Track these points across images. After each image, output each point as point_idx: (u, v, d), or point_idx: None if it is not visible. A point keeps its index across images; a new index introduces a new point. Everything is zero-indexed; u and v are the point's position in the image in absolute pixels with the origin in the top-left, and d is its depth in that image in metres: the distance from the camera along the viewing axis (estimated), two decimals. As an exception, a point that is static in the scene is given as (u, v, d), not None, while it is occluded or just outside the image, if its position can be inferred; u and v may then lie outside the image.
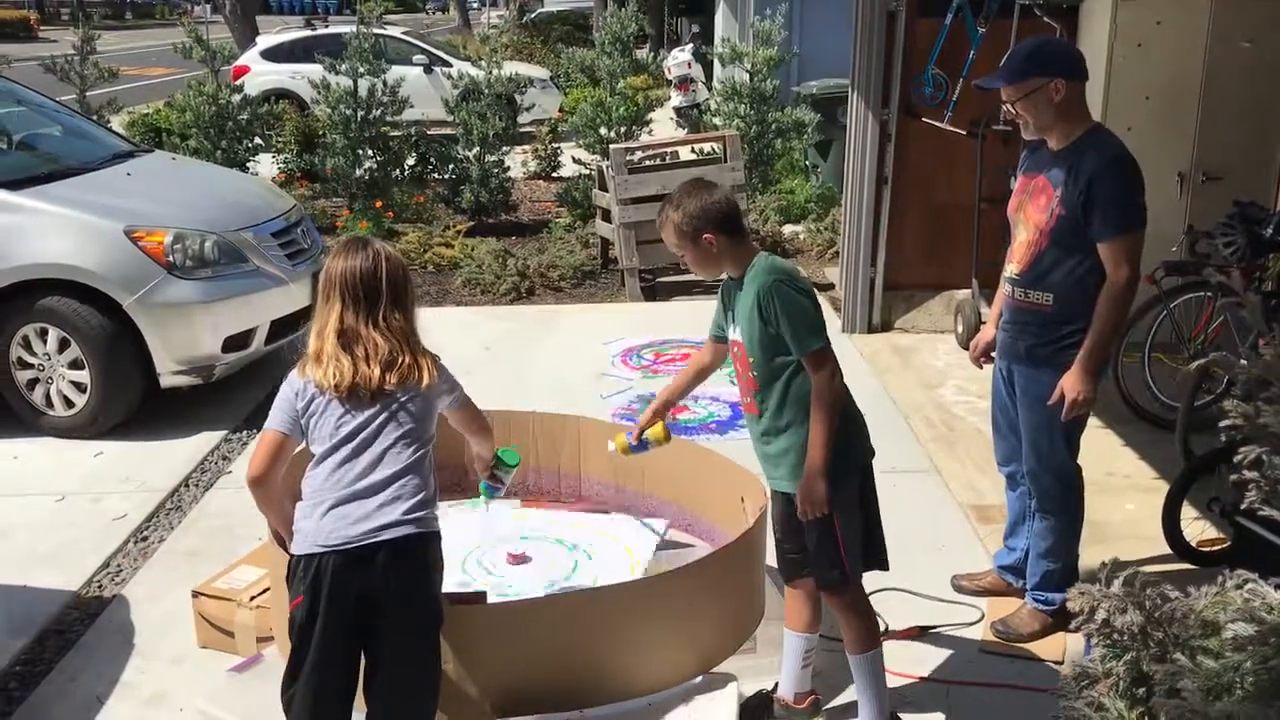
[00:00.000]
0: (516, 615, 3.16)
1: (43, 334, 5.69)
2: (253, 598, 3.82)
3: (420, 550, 2.74)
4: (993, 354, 4.04)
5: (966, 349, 6.79)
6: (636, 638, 3.22)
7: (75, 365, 5.70)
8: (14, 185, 5.80)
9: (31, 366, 5.74)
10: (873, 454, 3.33)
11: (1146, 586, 1.38)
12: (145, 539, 4.75)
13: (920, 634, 3.88)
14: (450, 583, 3.67)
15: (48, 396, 5.77)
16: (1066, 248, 3.50)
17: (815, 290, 3.15)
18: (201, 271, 5.85)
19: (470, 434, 3.24)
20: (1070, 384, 3.48)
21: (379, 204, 10.16)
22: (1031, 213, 3.61)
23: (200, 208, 6.19)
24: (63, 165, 6.40)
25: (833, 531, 3.13)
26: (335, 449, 2.74)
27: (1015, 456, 3.87)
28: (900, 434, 5.61)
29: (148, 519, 4.91)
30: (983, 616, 3.98)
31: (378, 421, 2.74)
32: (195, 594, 3.89)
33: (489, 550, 3.94)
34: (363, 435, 2.73)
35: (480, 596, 3.18)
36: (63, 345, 5.68)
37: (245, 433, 5.83)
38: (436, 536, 2.81)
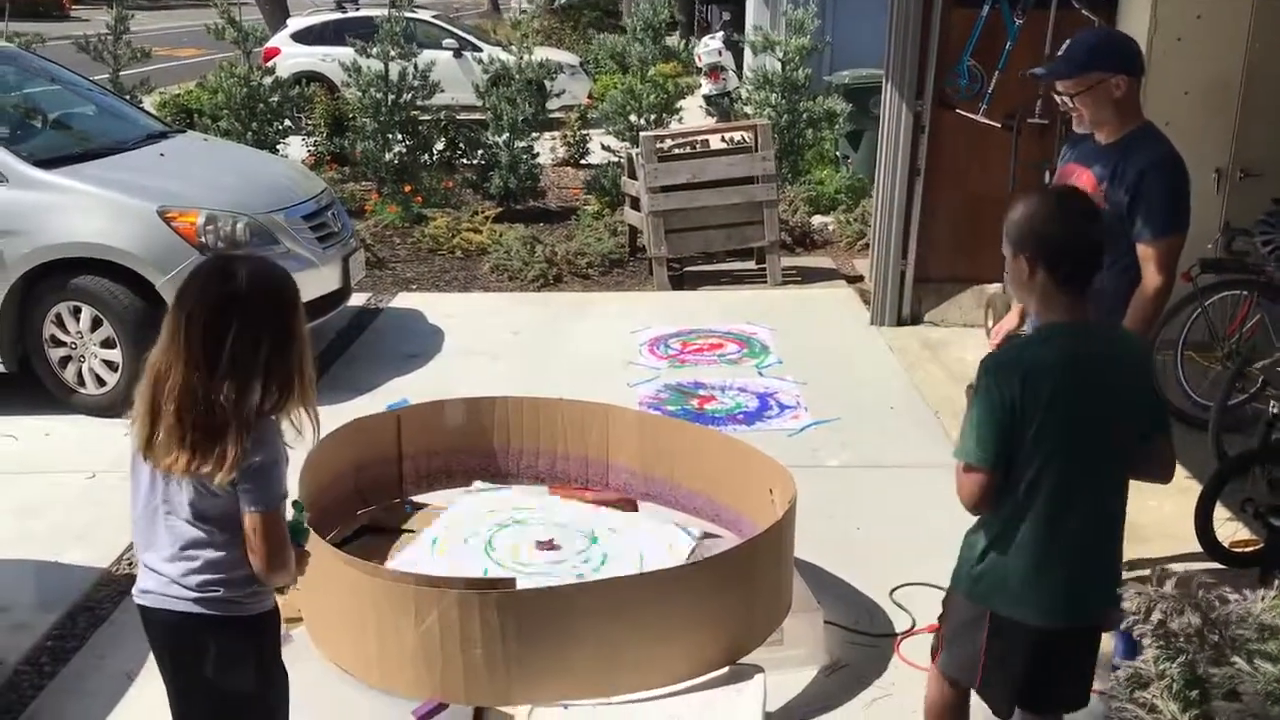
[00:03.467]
0: (545, 601, 3.16)
1: (76, 312, 5.72)
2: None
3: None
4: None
5: (997, 343, 6.78)
6: (663, 627, 3.21)
7: (107, 344, 5.73)
8: (48, 164, 5.84)
9: (64, 345, 5.78)
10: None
11: (1201, 588, 1.36)
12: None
13: (948, 629, 3.86)
14: (475, 568, 3.69)
15: (80, 375, 5.81)
16: (1106, 243, 3.45)
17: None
18: (233, 253, 5.87)
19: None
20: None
21: (408, 188, 10.16)
22: (1071, 207, 3.56)
23: (233, 189, 6.21)
24: (96, 145, 6.43)
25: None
26: None
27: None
28: (930, 429, 5.58)
29: (177, 498, 4.94)
30: (1011, 613, 3.95)
31: None
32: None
33: (516, 536, 3.94)
34: None
35: (509, 582, 3.17)
36: (95, 324, 5.72)
37: (274, 414, 5.84)
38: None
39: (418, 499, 4.40)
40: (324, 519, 4.06)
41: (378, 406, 5.84)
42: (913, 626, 3.88)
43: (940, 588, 4.11)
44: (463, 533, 3.94)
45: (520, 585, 3.30)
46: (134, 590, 2.48)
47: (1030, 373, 2.46)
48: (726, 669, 3.32)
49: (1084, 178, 3.58)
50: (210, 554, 2.38)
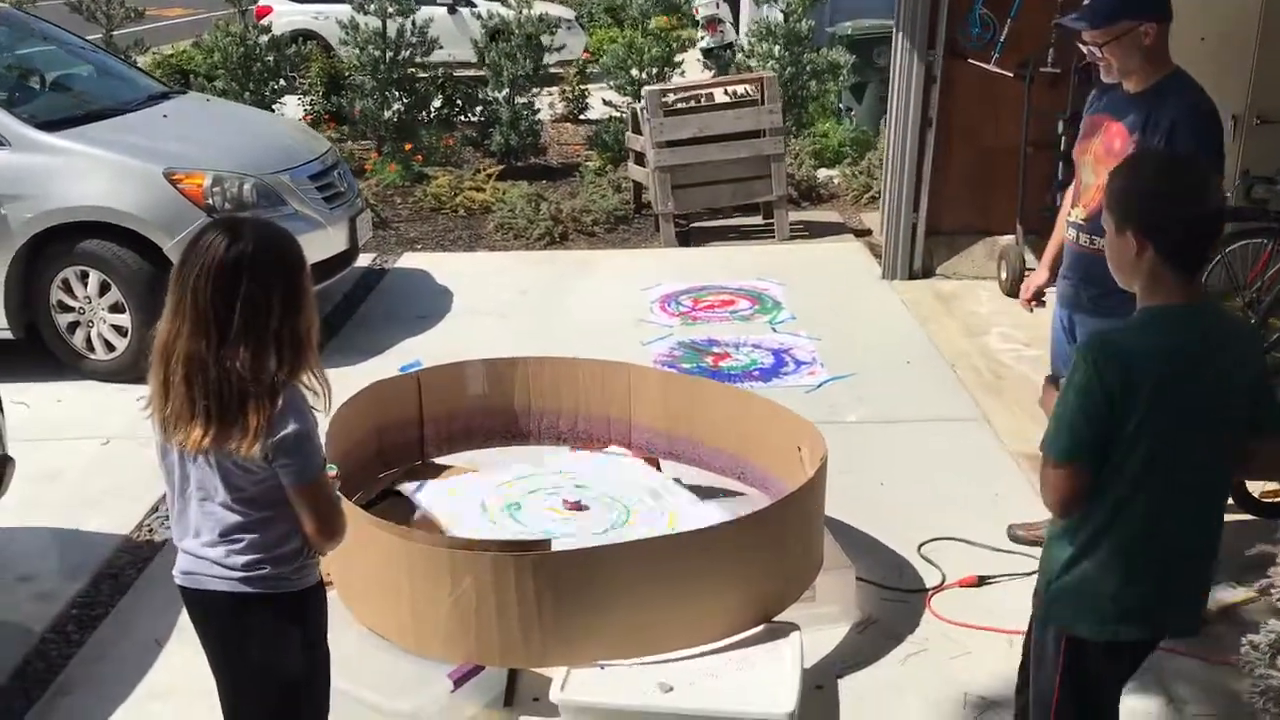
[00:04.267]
0: (580, 563, 3.14)
1: (83, 277, 5.66)
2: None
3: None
4: (1043, 299, 3.97)
5: (1010, 295, 6.74)
6: (699, 587, 3.19)
7: (116, 309, 5.67)
8: (51, 126, 5.75)
9: (72, 310, 5.72)
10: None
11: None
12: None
13: (978, 583, 3.85)
14: (504, 530, 3.66)
15: (88, 340, 5.76)
16: None
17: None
18: (240, 214, 5.79)
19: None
20: None
21: (408, 147, 10.05)
22: (1103, 156, 3.51)
23: (238, 150, 6.13)
24: (98, 106, 6.32)
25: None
26: None
27: (1078, 406, 3.79)
28: (947, 383, 5.55)
29: (194, 463, 4.90)
30: (1040, 567, 3.93)
31: None
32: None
33: (544, 496, 3.90)
34: None
35: (545, 544, 3.15)
36: (103, 289, 5.65)
37: (286, 377, 5.79)
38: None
39: (440, 460, 4.37)
40: (347, 483, 3.99)
41: (390, 368, 5.80)
42: (943, 581, 3.86)
43: (968, 541, 4.14)
44: (494, 495, 3.90)
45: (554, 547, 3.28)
46: (174, 571, 2.42)
47: (1132, 361, 2.18)
48: (762, 627, 3.30)
49: (1114, 129, 3.52)
50: (253, 536, 2.32)
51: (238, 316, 2.19)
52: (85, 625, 3.77)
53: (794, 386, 5.49)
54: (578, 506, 3.80)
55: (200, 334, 2.20)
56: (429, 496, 3.89)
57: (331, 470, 2.53)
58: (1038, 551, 4.00)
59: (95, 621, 3.79)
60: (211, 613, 2.41)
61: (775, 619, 3.34)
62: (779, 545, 3.34)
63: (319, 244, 6.14)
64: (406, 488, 3.96)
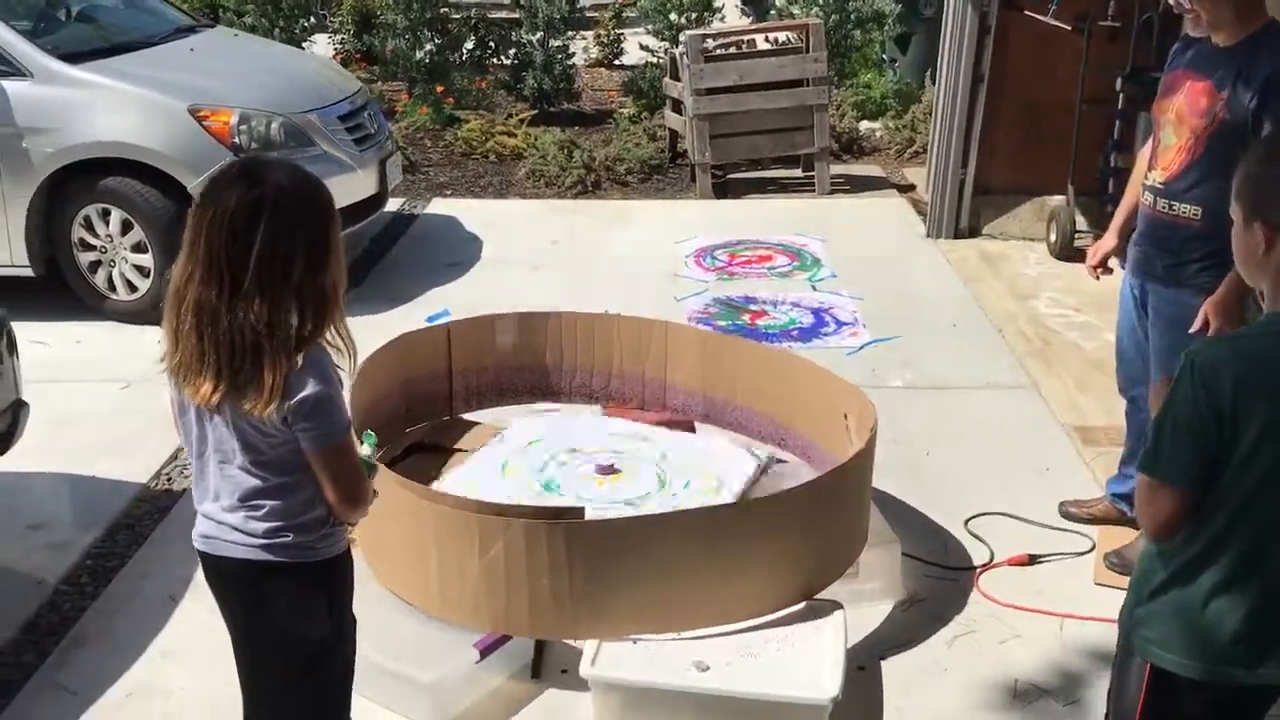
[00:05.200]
0: (615, 533, 2.98)
1: (105, 215, 5.51)
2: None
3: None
4: (1111, 265, 3.75)
5: (1059, 258, 6.51)
6: (739, 561, 3.03)
7: (138, 249, 5.52)
8: (74, 58, 5.57)
9: (94, 249, 5.57)
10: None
11: None
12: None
13: (1029, 562, 3.68)
14: (533, 496, 3.50)
15: (110, 280, 5.62)
16: (1226, 157, 3.14)
17: None
18: (268, 154, 5.62)
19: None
20: (1215, 309, 3.19)
21: (439, 89, 9.82)
22: (1186, 115, 3.27)
23: (266, 87, 5.94)
24: (123, 38, 6.14)
25: None
26: None
27: (1141, 381, 3.59)
28: (994, 347, 5.34)
29: (216, 410, 4.76)
30: (1094, 547, 3.75)
31: None
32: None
33: (575, 459, 3.74)
34: None
35: (578, 512, 2.99)
36: (125, 228, 5.50)
37: (311, 323, 5.63)
38: None
39: (468, 416, 4.21)
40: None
41: (417, 317, 5.64)
42: (991, 559, 3.69)
43: (1018, 518, 3.95)
44: (524, 456, 3.74)
45: (587, 514, 3.12)
46: (193, 534, 2.28)
47: (1246, 373, 1.90)
48: (803, 605, 3.14)
49: (1199, 87, 3.27)
50: (274, 502, 2.16)
51: (253, 265, 2.01)
52: (99, 577, 3.65)
53: (835, 348, 5.29)
54: (610, 470, 3.63)
55: (212, 281, 2.03)
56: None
57: (369, 445, 2.37)
58: (1091, 530, 3.87)
59: (110, 574, 3.67)
60: (231, 580, 2.26)
61: (817, 596, 3.18)
62: (826, 520, 3.17)
63: (347, 187, 5.96)
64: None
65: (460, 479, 3.61)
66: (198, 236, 2.04)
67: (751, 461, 3.68)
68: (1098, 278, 3.76)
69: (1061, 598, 3.50)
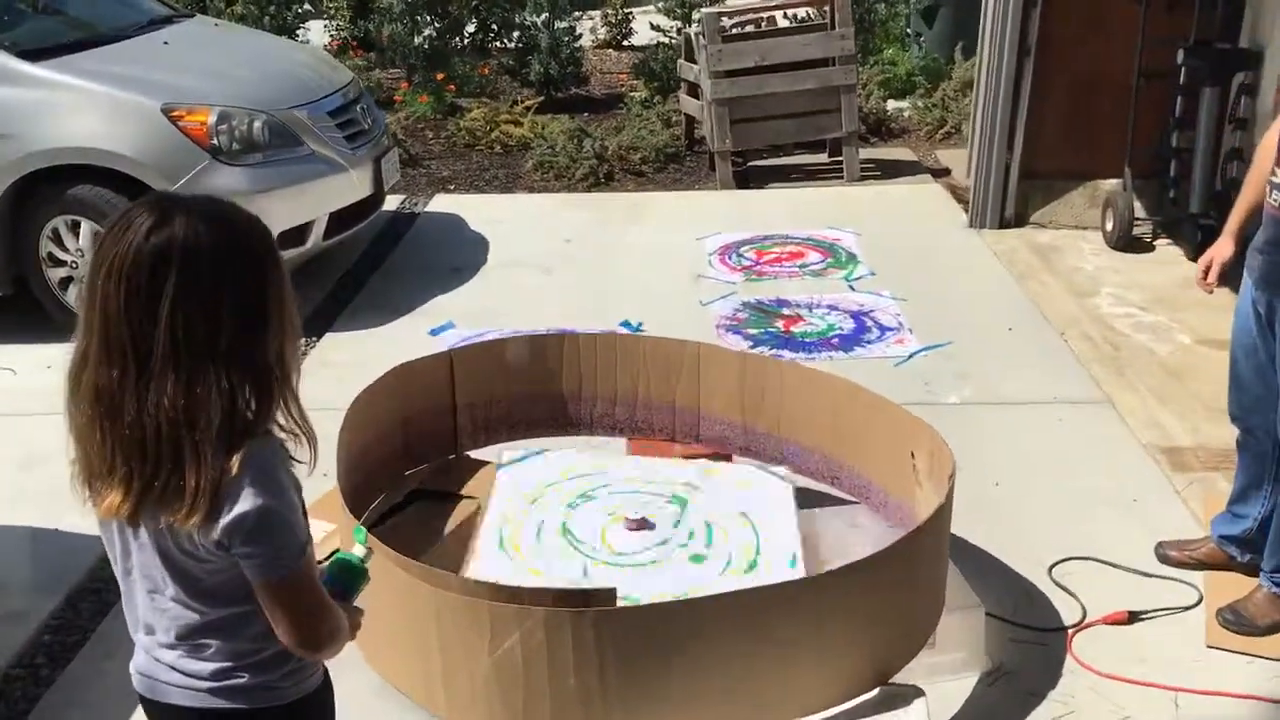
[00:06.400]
0: (655, 619, 2.48)
1: (75, 227, 5.02)
2: (320, 563, 3.18)
3: None
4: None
5: (1117, 249, 5.97)
6: (802, 646, 2.54)
7: (111, 264, 5.03)
8: (36, 55, 5.08)
9: (64, 264, 5.09)
10: None
11: None
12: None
13: (1129, 620, 3.17)
14: (559, 566, 3.01)
15: (82, 298, 5.12)
16: None
17: None
18: (250, 156, 5.15)
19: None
20: None
21: (440, 76, 9.30)
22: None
23: (248, 82, 5.44)
24: (91, 32, 5.64)
25: None
26: None
27: (1260, 409, 3.07)
28: (1058, 355, 4.81)
29: (195, 447, 4.28)
30: (1201, 599, 3.25)
31: None
32: (251, 555, 3.25)
33: (597, 513, 3.24)
34: None
35: (608, 595, 2.49)
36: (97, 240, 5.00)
37: (304, 341, 5.14)
38: None
39: (475, 455, 3.72)
40: (369, 482, 3.41)
41: (419, 329, 5.19)
42: (1083, 618, 3.17)
43: (1109, 563, 3.45)
44: (531, 512, 3.25)
45: (616, 576, 2.63)
46: (130, 665, 1.79)
47: None
48: (877, 692, 2.65)
49: None
50: (220, 641, 1.68)
51: (163, 332, 1.52)
52: (57, 658, 3.16)
53: (880, 358, 4.78)
54: (642, 525, 3.14)
55: (112, 359, 1.53)
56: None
57: (360, 544, 1.88)
58: (1195, 578, 3.34)
59: (70, 652, 3.18)
60: None
61: (892, 680, 2.68)
62: (901, 591, 2.68)
63: (340, 189, 5.52)
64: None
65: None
66: (91, 301, 1.54)
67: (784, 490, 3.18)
68: (1211, 291, 3.22)
69: (1171, 665, 2.99)
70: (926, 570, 2.75)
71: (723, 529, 3.12)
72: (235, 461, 1.56)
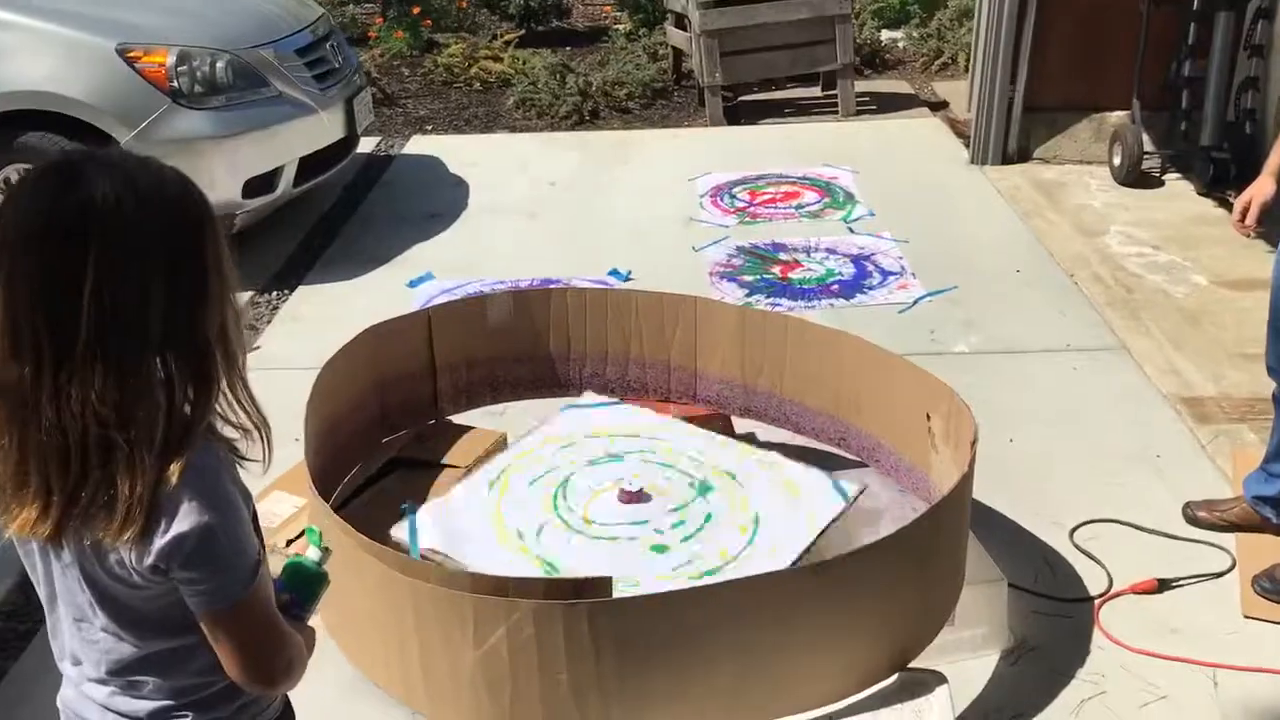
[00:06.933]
0: (655, 611, 2.27)
1: (27, 178, 4.72)
2: (289, 542, 2.97)
3: None
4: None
5: (1124, 184, 5.72)
6: (813, 634, 2.33)
7: (68, 216, 4.74)
8: (-21, -7, 4.75)
9: (17, 217, 4.79)
10: None
11: None
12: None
13: (1158, 588, 2.97)
14: (535, 520, 2.79)
15: (38, 253, 4.84)
16: None
17: None
18: (213, 99, 4.84)
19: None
20: None
21: (416, 10, 8.93)
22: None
23: (209, 20, 5.12)
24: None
25: None
26: None
27: (1301, 363, 2.86)
28: (1069, 298, 4.58)
29: (160, 412, 4.04)
30: (1234, 564, 3.05)
31: None
32: (216, 534, 3.02)
33: (587, 484, 3.01)
34: None
35: (603, 584, 2.27)
36: (51, 191, 4.71)
37: (275, 294, 4.89)
38: None
39: (458, 419, 3.49)
40: (343, 455, 3.18)
41: (397, 281, 4.94)
42: (1109, 586, 2.97)
43: (1133, 525, 3.25)
44: (547, 458, 3.03)
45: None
46: (58, 699, 1.56)
47: None
48: (895, 679, 2.45)
49: None
50: (158, 678, 1.44)
51: (85, 319, 1.26)
52: (6, 648, 2.94)
53: (883, 305, 4.55)
54: (636, 498, 2.91)
55: (21, 353, 1.27)
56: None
57: (316, 547, 1.65)
58: (1227, 540, 3.14)
59: (22, 641, 2.96)
60: None
61: (911, 665, 2.48)
62: (920, 570, 2.46)
63: (310, 132, 5.23)
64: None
65: (451, 513, 2.90)
66: None
67: (836, 503, 2.92)
68: (1251, 235, 2.99)
69: (1205, 638, 2.79)
70: (947, 547, 2.53)
71: (715, 528, 2.86)
72: (174, 469, 1.32)
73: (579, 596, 2.22)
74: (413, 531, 2.82)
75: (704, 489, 2.96)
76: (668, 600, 2.27)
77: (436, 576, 2.30)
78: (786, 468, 3.05)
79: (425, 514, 2.91)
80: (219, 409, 1.41)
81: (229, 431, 1.44)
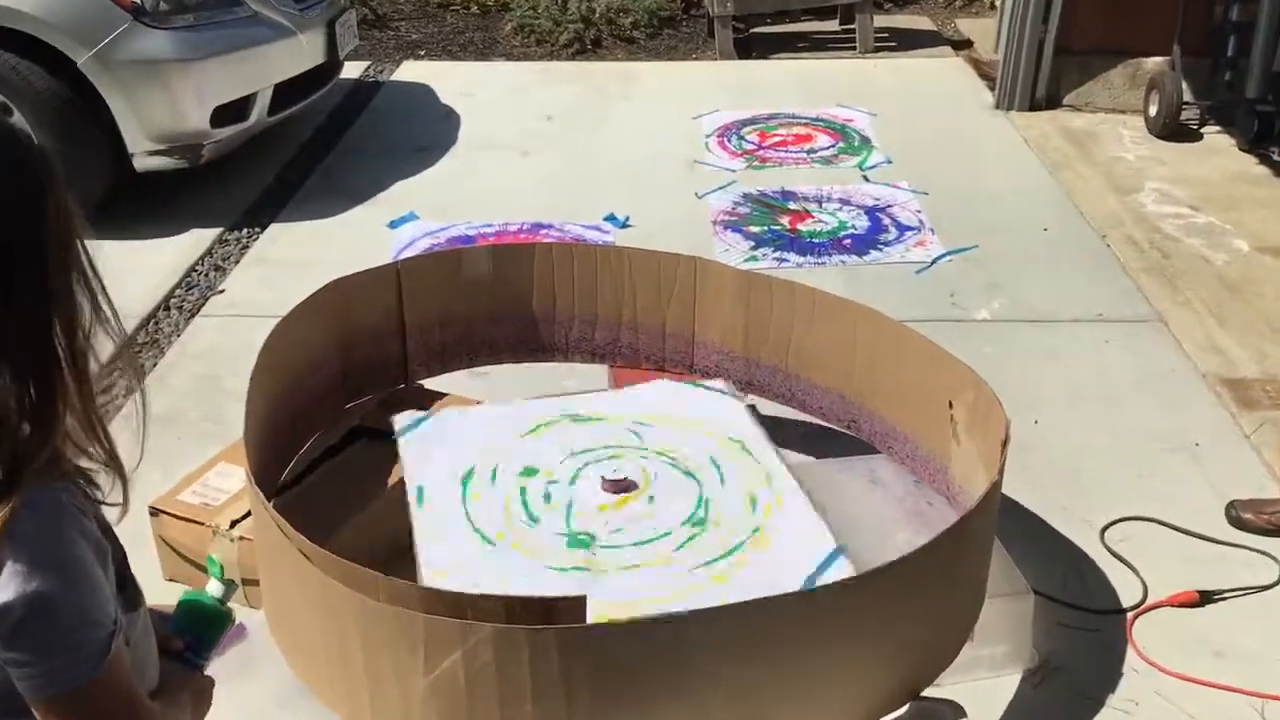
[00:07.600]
0: (630, 636, 1.97)
1: (-23, 100, 4.37)
2: (234, 523, 2.67)
3: None
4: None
5: (1160, 137, 5.34)
6: (820, 662, 2.03)
7: (20, 142, 4.38)
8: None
9: (-34, 141, 4.44)
10: None
11: None
12: (105, 392, 3.57)
13: (1199, 602, 2.67)
14: (514, 526, 2.48)
15: (-9, 180, 4.49)
16: None
17: None
18: (180, 18, 4.47)
19: None
20: None
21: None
22: None
23: (175, -72, 4.70)
24: None
25: None
26: None
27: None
28: (1101, 262, 4.24)
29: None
30: (1282, 574, 2.75)
31: None
32: (154, 511, 2.73)
33: (567, 473, 2.69)
34: None
35: (577, 604, 1.96)
36: (4, 113, 4.36)
37: (245, 232, 4.55)
38: None
39: (430, 384, 3.17)
40: (301, 423, 2.87)
41: (377, 221, 4.61)
42: (1145, 597, 2.68)
43: (1171, 526, 2.95)
44: (495, 457, 2.71)
45: (593, 604, 2.10)
46: None
47: None
48: (907, 709, 2.16)
49: None
50: None
51: None
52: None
53: (899, 263, 4.21)
54: (622, 486, 2.60)
55: None
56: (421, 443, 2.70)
57: (217, 581, 1.35)
58: (1274, 546, 2.86)
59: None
60: None
61: (926, 693, 2.19)
62: (940, 589, 2.16)
63: (287, 56, 4.87)
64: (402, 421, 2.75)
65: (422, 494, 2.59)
66: None
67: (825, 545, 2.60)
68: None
69: (1251, 662, 2.51)
70: (970, 566, 2.23)
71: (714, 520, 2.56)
72: (7, 528, 1.02)
73: (548, 621, 1.92)
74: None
75: (689, 473, 2.65)
76: (649, 628, 1.97)
77: (385, 591, 2.00)
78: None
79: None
80: (70, 437, 1.10)
81: (85, 463, 1.13)
